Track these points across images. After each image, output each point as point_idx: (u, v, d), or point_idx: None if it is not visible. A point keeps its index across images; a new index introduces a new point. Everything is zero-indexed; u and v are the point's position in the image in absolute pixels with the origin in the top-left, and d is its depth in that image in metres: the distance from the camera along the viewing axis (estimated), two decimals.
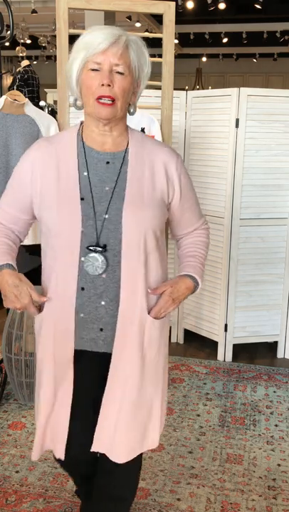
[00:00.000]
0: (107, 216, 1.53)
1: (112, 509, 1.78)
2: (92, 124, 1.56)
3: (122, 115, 1.55)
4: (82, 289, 1.56)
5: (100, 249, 1.51)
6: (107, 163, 1.57)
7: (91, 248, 1.52)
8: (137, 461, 1.73)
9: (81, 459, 1.72)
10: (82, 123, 1.61)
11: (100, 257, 1.51)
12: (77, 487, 1.98)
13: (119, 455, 1.63)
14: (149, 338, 1.61)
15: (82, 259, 1.53)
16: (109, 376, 1.60)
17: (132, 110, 1.59)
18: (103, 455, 1.64)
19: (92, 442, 1.62)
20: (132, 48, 1.49)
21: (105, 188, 1.55)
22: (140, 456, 1.74)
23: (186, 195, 1.67)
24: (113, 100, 1.47)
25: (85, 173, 1.56)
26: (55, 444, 1.67)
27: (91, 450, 1.63)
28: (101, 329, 1.58)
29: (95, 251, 1.51)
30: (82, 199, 1.53)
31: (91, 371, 1.65)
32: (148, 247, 1.56)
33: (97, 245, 1.52)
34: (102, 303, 1.56)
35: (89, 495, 1.82)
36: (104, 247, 1.52)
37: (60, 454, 1.65)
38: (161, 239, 1.64)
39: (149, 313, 1.59)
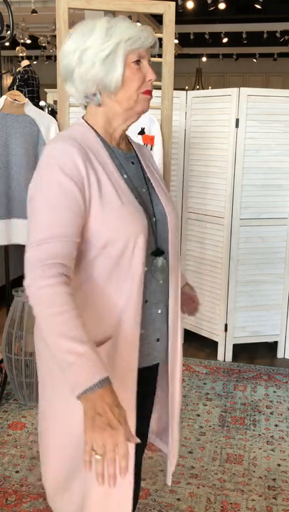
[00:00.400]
0: (155, 219, 1.42)
1: None
2: (121, 121, 1.41)
3: None
4: (146, 301, 1.39)
5: (161, 253, 1.40)
6: (132, 163, 1.46)
7: (153, 253, 1.39)
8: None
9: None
10: (86, 122, 1.41)
11: (163, 262, 1.40)
12: None
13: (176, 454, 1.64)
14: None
15: (146, 268, 1.36)
16: (170, 385, 1.52)
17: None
18: None
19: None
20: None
21: (142, 190, 1.43)
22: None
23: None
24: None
25: (126, 176, 1.40)
26: None
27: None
28: (157, 339, 1.45)
29: (158, 256, 1.40)
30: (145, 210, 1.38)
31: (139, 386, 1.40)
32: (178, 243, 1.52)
33: (158, 250, 1.41)
34: (159, 311, 1.44)
35: None
36: (163, 251, 1.42)
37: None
38: None
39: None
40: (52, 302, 1.17)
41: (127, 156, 1.44)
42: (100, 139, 1.38)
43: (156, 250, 1.40)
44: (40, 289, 1.18)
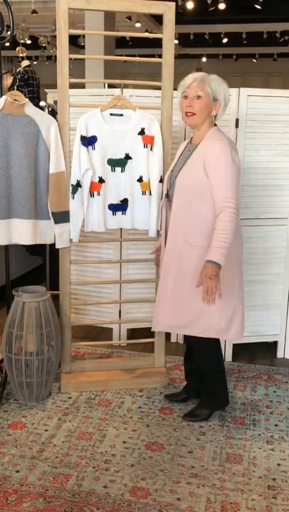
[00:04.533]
0: (175, 180, 2.62)
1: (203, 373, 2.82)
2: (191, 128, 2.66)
3: (202, 122, 2.55)
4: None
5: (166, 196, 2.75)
6: (189, 150, 2.62)
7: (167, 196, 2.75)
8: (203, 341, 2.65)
9: None
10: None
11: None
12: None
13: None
14: None
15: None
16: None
17: (214, 120, 2.59)
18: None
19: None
20: (207, 83, 2.50)
21: (180, 165, 2.63)
22: (213, 342, 2.68)
23: (215, 167, 2.44)
24: (193, 114, 2.53)
25: (180, 156, 2.68)
26: None
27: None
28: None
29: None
30: (171, 171, 2.69)
31: None
32: (188, 199, 2.55)
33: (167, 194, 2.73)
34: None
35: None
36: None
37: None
38: (204, 200, 2.50)
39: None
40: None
41: (189, 148, 2.63)
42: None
43: (166, 193, 2.69)
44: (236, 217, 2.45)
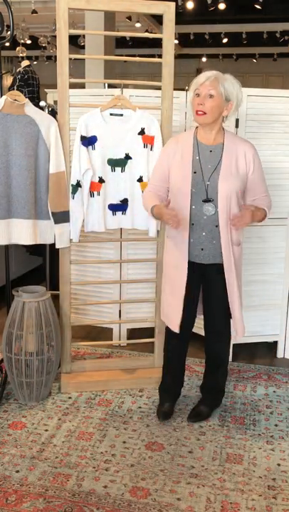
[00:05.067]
0: (208, 183, 2.53)
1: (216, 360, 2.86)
2: (200, 127, 2.59)
3: (213, 121, 2.51)
4: (192, 224, 2.56)
5: (209, 201, 2.53)
6: (210, 151, 2.56)
7: (205, 200, 2.53)
8: (228, 332, 2.78)
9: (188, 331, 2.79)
10: (197, 127, 2.61)
11: (210, 205, 2.54)
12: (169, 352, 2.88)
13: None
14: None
15: (194, 206, 2.54)
16: (226, 281, 2.63)
17: (225, 120, 2.59)
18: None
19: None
20: (221, 82, 2.46)
21: (208, 166, 2.54)
22: (229, 333, 2.77)
23: (255, 173, 2.57)
24: (204, 113, 2.48)
25: (197, 157, 2.56)
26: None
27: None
28: (202, 249, 2.59)
29: (206, 202, 2.54)
30: (194, 172, 2.55)
31: None
32: (232, 203, 2.53)
33: (207, 199, 2.53)
34: (203, 234, 2.57)
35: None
36: (211, 200, 2.53)
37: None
38: (240, 200, 2.57)
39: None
40: None
41: (210, 148, 2.57)
42: (195, 136, 2.64)
43: (206, 199, 2.52)
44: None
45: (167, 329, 2.83)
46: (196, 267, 2.63)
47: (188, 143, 2.59)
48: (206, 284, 2.70)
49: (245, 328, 2.70)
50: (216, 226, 2.55)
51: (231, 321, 2.72)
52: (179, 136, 2.69)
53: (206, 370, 2.92)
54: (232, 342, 3.54)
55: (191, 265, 2.62)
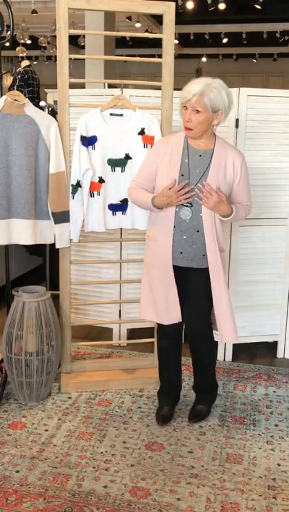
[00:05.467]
0: (194, 187, 2.51)
1: (203, 369, 2.85)
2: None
3: (202, 134, 2.52)
4: (174, 226, 2.55)
5: (189, 206, 2.53)
6: (200, 156, 2.55)
7: (184, 204, 2.53)
8: (209, 333, 2.75)
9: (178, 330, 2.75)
10: None
11: (188, 210, 2.53)
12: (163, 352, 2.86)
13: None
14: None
15: (177, 209, 2.54)
16: (212, 287, 2.62)
17: (215, 128, 2.59)
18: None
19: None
20: (206, 95, 2.43)
21: (196, 171, 2.54)
22: (211, 334, 2.76)
23: (241, 183, 2.59)
24: (191, 129, 2.49)
25: (186, 160, 2.55)
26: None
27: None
28: (180, 252, 2.58)
29: (186, 206, 2.53)
30: (182, 175, 2.53)
31: None
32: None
33: (187, 203, 2.52)
34: (184, 237, 2.56)
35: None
36: (191, 205, 2.53)
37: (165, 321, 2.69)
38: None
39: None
40: None
41: (199, 153, 2.56)
42: (186, 140, 2.60)
43: (185, 203, 2.51)
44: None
45: (157, 331, 2.84)
46: (176, 269, 2.62)
47: (179, 145, 2.58)
48: (185, 286, 2.67)
49: (237, 333, 2.66)
50: (198, 231, 2.54)
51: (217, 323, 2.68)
52: (170, 137, 2.68)
53: (194, 371, 2.91)
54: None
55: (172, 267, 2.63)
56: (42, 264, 4.68)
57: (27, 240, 2.93)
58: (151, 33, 9.53)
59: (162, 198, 2.50)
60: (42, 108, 3.54)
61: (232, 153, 2.57)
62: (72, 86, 2.99)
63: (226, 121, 3.35)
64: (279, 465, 2.49)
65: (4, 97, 2.82)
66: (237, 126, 3.32)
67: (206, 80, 2.47)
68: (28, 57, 11.04)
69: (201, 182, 2.50)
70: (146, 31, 9.61)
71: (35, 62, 12.85)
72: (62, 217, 2.98)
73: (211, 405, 2.91)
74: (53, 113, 3.76)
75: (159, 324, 2.78)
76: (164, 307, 2.68)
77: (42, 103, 3.67)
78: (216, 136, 2.62)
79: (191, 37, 10.88)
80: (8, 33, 3.06)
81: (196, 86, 2.44)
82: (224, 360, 3.58)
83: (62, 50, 2.91)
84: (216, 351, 2.86)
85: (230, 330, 2.63)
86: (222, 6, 7.87)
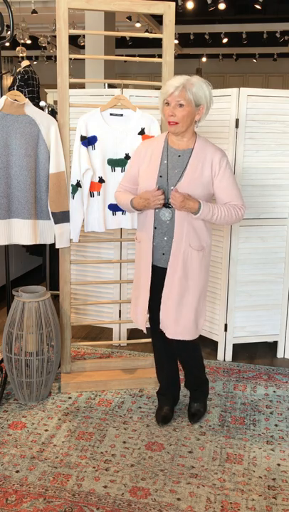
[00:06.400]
0: (172, 187, 2.49)
1: (189, 366, 2.86)
2: (171, 133, 2.55)
3: (186, 129, 2.48)
4: (155, 228, 2.56)
5: (168, 206, 2.50)
6: (179, 156, 2.53)
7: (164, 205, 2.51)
8: (191, 343, 2.68)
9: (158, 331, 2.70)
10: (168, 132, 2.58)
11: (168, 211, 2.51)
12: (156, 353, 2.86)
13: (170, 334, 2.62)
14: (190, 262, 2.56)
15: (157, 210, 2.54)
16: (165, 283, 2.57)
17: (197, 124, 2.55)
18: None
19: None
20: (189, 89, 2.42)
21: (175, 171, 2.52)
22: (196, 341, 2.71)
23: (223, 181, 2.52)
24: (176, 122, 2.45)
25: (165, 161, 2.54)
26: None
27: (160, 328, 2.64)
28: (163, 254, 2.56)
29: (165, 207, 2.51)
30: (160, 176, 2.53)
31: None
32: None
33: (166, 204, 2.50)
34: (165, 238, 2.55)
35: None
36: (170, 205, 2.50)
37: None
38: None
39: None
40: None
41: (178, 153, 2.54)
42: (166, 140, 2.60)
43: (164, 203, 2.50)
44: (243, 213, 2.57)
45: (150, 332, 2.84)
46: (159, 270, 2.59)
47: (159, 146, 2.57)
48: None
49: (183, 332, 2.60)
50: None
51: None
52: (152, 139, 2.67)
53: (183, 369, 2.91)
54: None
55: (155, 268, 2.60)
56: (42, 264, 4.68)
57: (27, 240, 2.93)
58: (151, 33, 9.54)
59: (140, 200, 2.52)
60: (42, 108, 3.55)
61: (211, 150, 2.53)
62: (72, 86, 2.99)
63: (226, 121, 3.37)
64: (279, 465, 2.49)
65: (4, 97, 2.82)
66: (237, 126, 3.32)
67: (186, 76, 2.47)
68: (28, 57, 11.06)
69: (178, 182, 2.47)
70: (146, 31, 9.61)
71: (35, 62, 12.85)
72: (62, 217, 2.98)
73: (206, 401, 2.92)
74: (53, 113, 3.77)
75: (150, 324, 2.78)
76: (136, 310, 2.71)
77: (42, 103, 3.68)
78: (198, 135, 2.59)
79: (191, 37, 10.88)
80: (8, 33, 3.06)
81: (177, 80, 2.44)
82: (224, 360, 3.58)
83: (63, 50, 2.91)
84: (199, 348, 2.81)
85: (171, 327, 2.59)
86: (222, 6, 7.86)
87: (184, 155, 2.52)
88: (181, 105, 2.43)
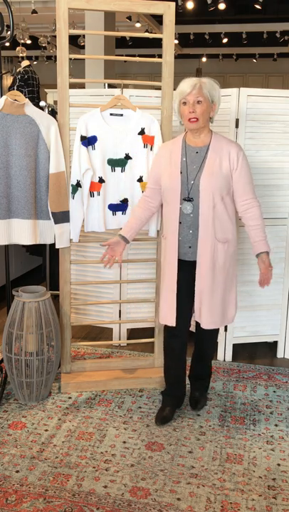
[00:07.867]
0: (193, 182, 2.61)
1: (204, 358, 2.97)
2: (189, 131, 2.67)
3: (204, 125, 2.61)
4: (180, 223, 2.65)
5: (190, 200, 2.62)
6: (196, 152, 2.65)
7: (185, 199, 2.63)
8: (216, 330, 2.89)
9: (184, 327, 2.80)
10: (186, 132, 2.71)
11: (190, 205, 2.62)
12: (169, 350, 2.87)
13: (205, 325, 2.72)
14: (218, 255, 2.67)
15: (180, 205, 2.64)
16: (196, 278, 2.68)
17: (212, 120, 2.67)
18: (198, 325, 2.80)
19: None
20: (204, 87, 2.56)
21: (193, 167, 2.64)
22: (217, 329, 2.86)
23: (239, 172, 2.62)
24: (197, 119, 2.57)
25: (184, 159, 2.66)
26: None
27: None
28: (189, 247, 2.66)
29: (187, 201, 2.62)
30: (181, 173, 2.64)
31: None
32: (216, 200, 2.60)
33: (188, 198, 2.62)
34: (190, 232, 2.64)
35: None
36: (192, 199, 2.62)
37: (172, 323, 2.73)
38: (227, 198, 2.63)
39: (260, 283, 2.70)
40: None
41: (196, 150, 2.66)
42: (184, 139, 2.72)
43: (186, 197, 2.62)
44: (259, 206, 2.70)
45: (165, 329, 2.85)
46: (186, 264, 2.68)
47: (178, 146, 2.70)
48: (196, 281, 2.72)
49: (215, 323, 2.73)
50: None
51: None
52: (170, 141, 2.79)
53: (195, 360, 2.98)
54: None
55: (181, 263, 2.68)
56: (42, 264, 4.68)
57: (27, 240, 2.93)
58: (151, 33, 9.53)
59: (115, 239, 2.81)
60: (42, 108, 3.55)
61: (227, 145, 2.64)
62: (72, 86, 2.99)
63: (226, 121, 3.37)
64: (279, 465, 2.49)
65: (4, 97, 2.82)
66: (237, 126, 3.32)
67: (198, 78, 2.63)
68: (28, 57, 11.06)
69: (197, 176, 2.60)
70: (146, 31, 9.61)
71: (35, 62, 12.85)
72: (62, 217, 2.98)
73: (205, 389, 3.02)
74: (53, 113, 3.77)
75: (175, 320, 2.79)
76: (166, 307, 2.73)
77: (42, 103, 3.67)
78: (214, 132, 2.69)
79: (191, 37, 10.87)
80: (8, 33, 3.06)
81: (192, 80, 2.58)
82: (224, 360, 3.58)
83: (63, 50, 2.91)
84: (215, 344, 2.96)
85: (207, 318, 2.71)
86: (222, 6, 7.86)
87: (202, 151, 2.64)
88: (199, 102, 2.55)
